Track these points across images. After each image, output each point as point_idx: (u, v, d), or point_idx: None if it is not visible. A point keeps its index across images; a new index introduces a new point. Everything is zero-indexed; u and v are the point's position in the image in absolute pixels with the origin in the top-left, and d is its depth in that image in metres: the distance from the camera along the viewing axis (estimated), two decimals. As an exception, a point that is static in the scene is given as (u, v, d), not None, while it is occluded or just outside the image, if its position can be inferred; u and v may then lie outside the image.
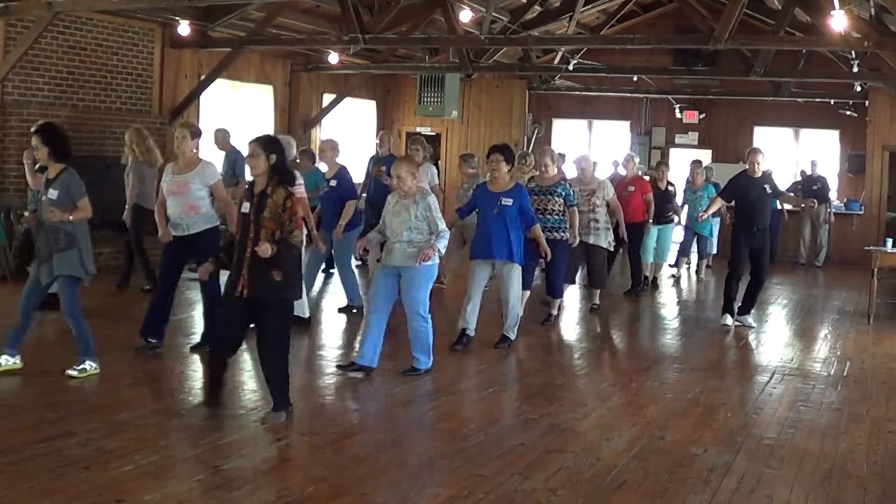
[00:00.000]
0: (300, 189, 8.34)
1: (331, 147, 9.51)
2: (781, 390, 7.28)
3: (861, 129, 16.37)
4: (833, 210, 16.06)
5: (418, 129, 18.17)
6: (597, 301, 10.49)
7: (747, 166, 9.59)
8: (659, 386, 7.27)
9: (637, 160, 12.29)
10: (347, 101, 17.06)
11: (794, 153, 17.19)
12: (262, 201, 5.63)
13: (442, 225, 6.93)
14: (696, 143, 17.75)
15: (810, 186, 15.67)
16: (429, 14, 13.14)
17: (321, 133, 16.91)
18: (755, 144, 16.13)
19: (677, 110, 17.81)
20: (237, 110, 14.88)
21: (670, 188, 12.43)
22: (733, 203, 9.86)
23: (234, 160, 11.63)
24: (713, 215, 13.05)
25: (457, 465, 5.19)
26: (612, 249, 10.40)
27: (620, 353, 8.76)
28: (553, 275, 9.27)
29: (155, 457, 5.05)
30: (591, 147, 18.15)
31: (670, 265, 13.61)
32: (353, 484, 4.88)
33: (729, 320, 9.71)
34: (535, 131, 18.35)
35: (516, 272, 8.07)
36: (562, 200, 8.96)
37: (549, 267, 9.15)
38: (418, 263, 6.79)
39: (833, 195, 16.68)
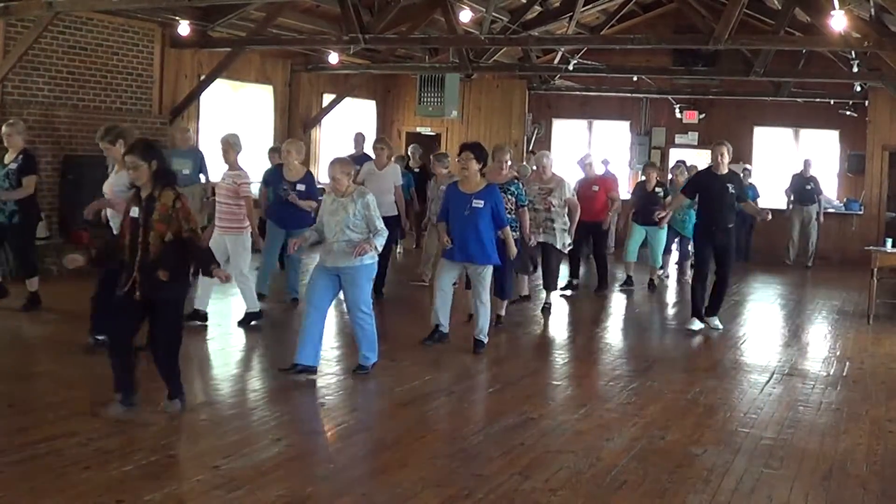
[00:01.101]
0: (245, 188, 8.48)
1: (296, 149, 9.62)
2: (781, 390, 7.28)
3: (861, 129, 16.36)
4: (824, 210, 16.03)
5: (418, 129, 18.21)
6: (549, 301, 10.42)
7: (711, 161, 9.50)
8: (659, 386, 7.26)
9: (592, 160, 12.10)
10: (347, 101, 17.05)
11: (794, 153, 17.18)
12: (151, 205, 5.69)
13: (380, 224, 6.88)
14: (695, 143, 17.71)
15: (803, 186, 15.65)
16: (429, 14, 13.15)
17: (321, 133, 16.94)
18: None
19: (677, 110, 17.81)
20: (237, 110, 14.88)
21: (658, 190, 12.18)
22: (697, 199, 9.72)
23: (200, 160, 11.42)
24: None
25: (457, 465, 5.20)
26: (566, 251, 10.32)
27: (619, 353, 8.75)
28: (500, 276, 8.74)
29: (155, 457, 5.06)
30: (591, 147, 18.15)
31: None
32: (353, 484, 4.89)
33: (697, 325, 9.51)
34: (535, 131, 18.36)
35: (488, 273, 7.99)
36: (514, 199, 8.82)
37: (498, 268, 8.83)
38: (354, 257, 6.74)
39: (830, 195, 16.69)
